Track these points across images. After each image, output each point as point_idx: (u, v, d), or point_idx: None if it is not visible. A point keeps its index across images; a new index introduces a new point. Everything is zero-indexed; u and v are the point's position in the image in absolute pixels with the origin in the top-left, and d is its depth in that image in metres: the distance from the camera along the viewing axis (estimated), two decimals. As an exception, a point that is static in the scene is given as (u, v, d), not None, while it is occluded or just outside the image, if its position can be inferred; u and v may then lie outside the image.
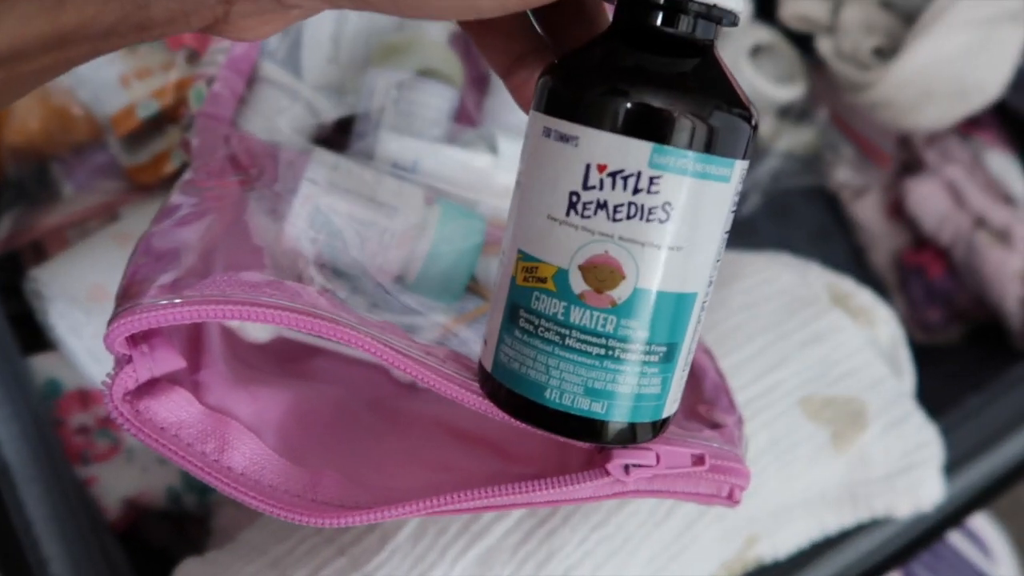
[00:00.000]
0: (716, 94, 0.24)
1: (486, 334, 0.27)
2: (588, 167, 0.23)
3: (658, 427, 0.27)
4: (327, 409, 0.33)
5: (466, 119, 0.50)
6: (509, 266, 0.26)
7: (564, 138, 0.24)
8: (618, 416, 0.26)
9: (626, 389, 0.25)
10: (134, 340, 0.26)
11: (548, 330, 0.25)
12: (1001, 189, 0.68)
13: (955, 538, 0.67)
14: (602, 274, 0.24)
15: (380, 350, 0.27)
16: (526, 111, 0.27)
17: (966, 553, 0.67)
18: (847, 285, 0.50)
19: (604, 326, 0.24)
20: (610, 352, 0.25)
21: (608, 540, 0.36)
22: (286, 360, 0.36)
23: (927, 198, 0.69)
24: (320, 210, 0.36)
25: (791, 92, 0.70)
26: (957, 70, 0.63)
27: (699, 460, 0.29)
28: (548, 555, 0.35)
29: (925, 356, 0.53)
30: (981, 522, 0.69)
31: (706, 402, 0.34)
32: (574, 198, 0.24)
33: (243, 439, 0.28)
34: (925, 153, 0.72)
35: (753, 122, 0.24)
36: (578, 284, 0.24)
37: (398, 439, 0.33)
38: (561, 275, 0.24)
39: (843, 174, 0.74)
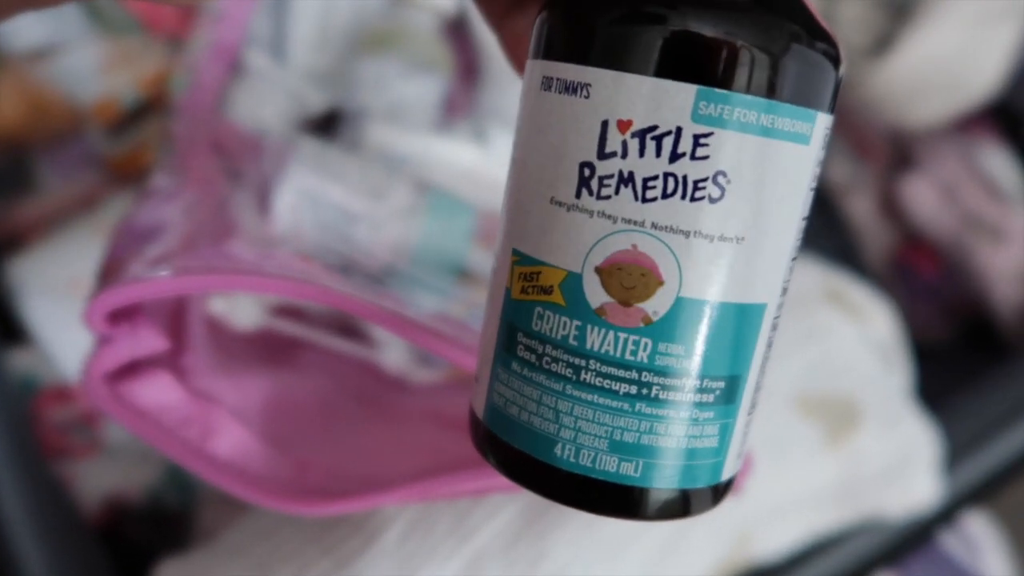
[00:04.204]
0: (790, 17, 0.17)
1: (477, 366, 0.21)
2: (605, 125, 0.17)
3: (719, 492, 0.20)
4: (313, 400, 0.32)
5: (455, 109, 0.49)
6: (503, 273, 0.19)
7: (570, 88, 0.17)
8: (661, 481, 0.18)
9: (670, 443, 0.18)
10: (115, 319, 0.24)
11: (556, 361, 0.18)
12: (994, 187, 0.67)
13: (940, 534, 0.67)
14: (630, 278, 0.17)
15: (393, 320, 0.24)
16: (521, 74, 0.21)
17: (949, 547, 0.66)
18: (841, 282, 0.50)
19: (636, 354, 0.18)
20: (645, 390, 0.18)
21: (599, 540, 0.35)
22: (271, 352, 0.35)
23: (919, 195, 0.69)
24: (305, 199, 0.35)
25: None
26: (951, 66, 0.63)
27: None
28: (539, 556, 0.34)
29: (916, 354, 0.52)
30: (966, 515, 0.69)
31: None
32: (587, 171, 0.17)
33: (228, 426, 0.27)
34: (918, 150, 0.72)
35: (841, 66, 0.18)
36: (596, 294, 0.18)
37: (387, 430, 0.31)
38: (572, 282, 0.18)
39: (834, 171, 0.74)
